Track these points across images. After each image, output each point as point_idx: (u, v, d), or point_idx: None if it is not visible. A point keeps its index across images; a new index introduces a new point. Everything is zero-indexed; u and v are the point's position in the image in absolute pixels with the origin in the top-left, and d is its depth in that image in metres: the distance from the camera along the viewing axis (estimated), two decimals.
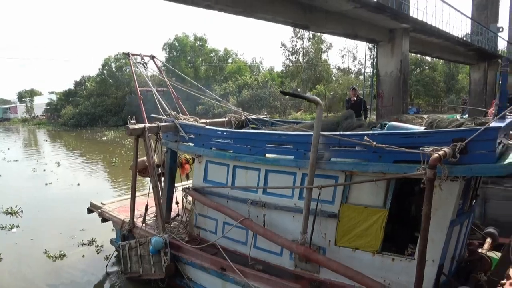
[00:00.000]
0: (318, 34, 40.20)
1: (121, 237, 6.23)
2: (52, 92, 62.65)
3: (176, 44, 44.79)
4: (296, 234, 4.15)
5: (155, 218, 6.17)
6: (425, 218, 3.05)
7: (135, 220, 6.10)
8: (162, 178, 6.30)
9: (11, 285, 6.51)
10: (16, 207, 10.58)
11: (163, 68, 7.96)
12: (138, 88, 6.56)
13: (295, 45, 44.62)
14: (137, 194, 6.36)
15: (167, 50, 45.32)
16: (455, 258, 3.99)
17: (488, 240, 4.43)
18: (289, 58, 45.76)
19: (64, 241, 8.27)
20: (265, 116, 6.98)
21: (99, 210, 7.04)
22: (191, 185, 5.60)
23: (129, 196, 6.27)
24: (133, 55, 6.68)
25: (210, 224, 5.34)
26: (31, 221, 9.77)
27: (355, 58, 49.27)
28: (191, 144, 5.45)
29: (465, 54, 24.72)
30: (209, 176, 5.27)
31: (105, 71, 47.09)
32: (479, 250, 4.21)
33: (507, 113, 3.43)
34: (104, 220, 7.00)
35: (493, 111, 3.59)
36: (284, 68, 47.09)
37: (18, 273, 6.96)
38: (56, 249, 7.69)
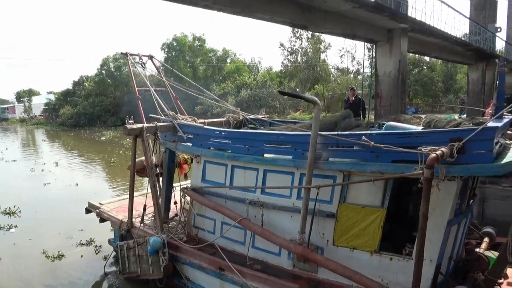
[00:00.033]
0: (317, 34, 40.19)
1: (119, 237, 6.23)
2: (51, 92, 62.59)
3: (175, 44, 44.76)
4: (294, 234, 4.16)
5: (153, 218, 6.17)
6: (423, 217, 3.06)
7: (133, 220, 6.10)
8: (160, 178, 6.30)
9: (9, 285, 6.50)
10: (14, 207, 10.56)
11: (161, 68, 7.96)
12: (136, 88, 6.55)
13: (294, 45, 44.65)
14: (135, 194, 6.36)
15: (166, 50, 45.31)
16: (453, 257, 4.00)
17: (486, 239, 4.44)
18: (288, 58, 45.79)
19: (63, 241, 8.25)
20: (263, 116, 6.98)
21: (97, 210, 7.04)
22: (189, 185, 5.59)
23: (127, 196, 6.27)
24: (131, 55, 6.67)
25: (208, 224, 5.34)
26: (30, 221, 9.76)
27: (353, 58, 49.24)
28: (189, 144, 5.45)
29: (463, 54, 24.74)
30: (207, 176, 5.27)
31: (103, 71, 47.03)
32: (477, 249, 4.22)
33: (505, 113, 3.45)
34: (102, 220, 6.99)
35: (490, 111, 3.61)
36: (282, 68, 47.10)
37: (17, 273, 6.95)
38: (54, 249, 7.68)
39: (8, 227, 9.25)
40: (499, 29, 29.73)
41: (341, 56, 48.29)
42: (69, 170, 17.00)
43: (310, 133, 3.91)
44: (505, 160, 3.13)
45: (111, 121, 41.47)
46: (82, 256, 7.55)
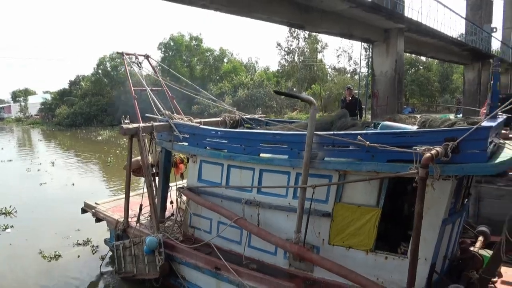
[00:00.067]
0: (314, 34, 40.31)
1: (115, 237, 6.22)
2: (47, 92, 62.34)
3: (172, 43, 44.69)
4: (290, 233, 4.17)
5: (149, 217, 6.16)
6: (418, 217, 3.08)
7: (129, 220, 6.09)
8: (157, 178, 6.29)
9: (5, 286, 6.47)
10: (10, 207, 10.51)
11: (158, 67, 7.94)
12: (132, 88, 6.54)
13: (291, 45, 44.78)
14: (131, 193, 6.35)
15: (163, 49, 45.23)
16: (448, 256, 4.03)
17: (480, 238, 4.47)
18: (285, 58, 45.90)
19: (59, 241, 8.22)
20: (259, 115, 6.99)
21: (93, 210, 7.02)
22: (185, 185, 5.60)
23: (123, 195, 6.26)
24: (127, 54, 6.66)
25: (204, 223, 5.34)
26: (26, 221, 9.71)
27: (350, 58, 49.45)
28: (186, 143, 5.45)
29: (459, 54, 24.86)
30: (204, 175, 5.27)
31: (100, 71, 46.86)
32: (471, 248, 4.25)
33: (499, 113, 3.47)
34: (98, 220, 6.98)
35: (485, 111, 3.63)
36: (279, 68, 47.18)
37: (13, 273, 6.92)
38: (51, 249, 7.65)
39: (4, 227, 9.20)
40: (494, 29, 29.89)
41: (338, 56, 48.66)
42: (65, 170, 16.94)
43: (306, 132, 3.92)
44: (498, 160, 3.15)
45: (107, 121, 41.33)
46: (79, 256, 7.52)
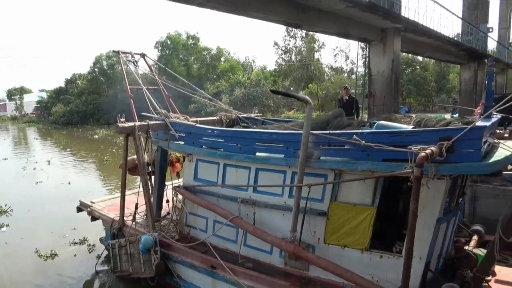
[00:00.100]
0: (311, 33, 40.27)
1: (111, 235, 6.20)
2: (43, 90, 62.03)
3: (169, 42, 44.58)
4: (286, 232, 4.17)
5: (145, 216, 6.15)
6: (412, 216, 3.09)
7: (125, 218, 6.08)
8: (153, 177, 6.28)
9: (0, 285, 6.44)
10: (5, 206, 10.46)
11: (155, 66, 7.92)
12: (128, 86, 6.52)
13: (288, 44, 44.66)
14: (127, 192, 6.34)
15: (159, 48, 45.10)
16: (442, 255, 4.05)
17: (475, 237, 4.49)
18: (282, 57, 45.79)
19: (55, 240, 8.19)
20: (256, 114, 6.99)
21: (89, 209, 7.00)
22: (181, 184, 5.59)
23: (119, 194, 6.24)
24: (123, 53, 6.63)
25: (200, 222, 5.34)
26: (22, 220, 9.67)
27: (347, 58, 49.52)
28: (182, 142, 5.45)
29: (456, 54, 24.97)
30: (200, 174, 5.27)
31: (96, 69, 46.71)
32: (466, 247, 4.26)
33: (493, 113, 3.48)
34: (94, 218, 6.95)
35: (479, 111, 3.64)
36: (277, 67, 47.10)
37: (8, 272, 6.89)
38: (47, 248, 7.62)
39: None
40: (491, 30, 30.05)
41: (335, 56, 48.31)
42: (61, 169, 16.88)
43: (302, 132, 3.93)
44: (492, 159, 3.17)
45: (104, 120, 41.19)
46: (75, 255, 7.49)
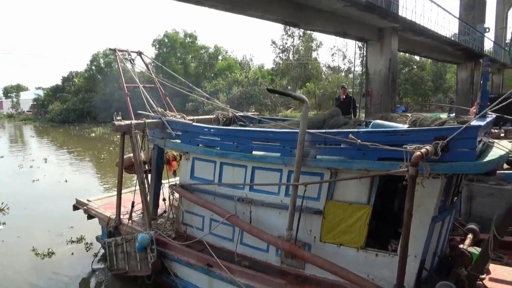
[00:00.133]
0: (309, 32, 40.30)
1: (107, 234, 6.19)
2: (39, 88, 61.79)
3: (166, 40, 44.48)
4: (282, 231, 4.18)
5: (141, 215, 6.15)
6: (407, 214, 3.11)
7: (121, 217, 6.07)
8: (149, 175, 6.27)
9: None
10: (2, 204, 10.41)
11: (152, 64, 7.91)
12: (124, 84, 6.50)
13: (286, 43, 44.71)
14: (124, 191, 6.33)
15: (157, 46, 44.99)
16: (437, 253, 4.07)
17: (470, 236, 4.51)
18: (280, 56, 45.82)
19: (52, 238, 8.17)
20: (252, 113, 6.99)
21: (85, 207, 6.99)
22: (178, 182, 5.59)
23: (116, 192, 6.24)
24: (119, 51, 6.61)
25: (197, 221, 5.35)
26: (18, 218, 9.64)
27: (345, 57, 49.54)
28: (178, 141, 5.44)
29: (452, 54, 25.05)
30: (196, 173, 5.27)
31: (93, 67, 46.54)
32: (461, 245, 4.29)
33: (488, 112, 3.51)
34: (90, 217, 6.94)
35: (474, 110, 3.66)
36: (274, 66, 47.14)
37: (5, 270, 6.86)
38: (44, 247, 7.59)
39: None
40: (487, 30, 30.14)
41: (333, 55, 48.68)
42: (58, 167, 16.83)
43: (298, 130, 3.94)
44: (487, 159, 3.19)
45: (101, 118, 41.04)
46: (72, 253, 7.48)
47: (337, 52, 47.21)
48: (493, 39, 34.64)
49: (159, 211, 6.36)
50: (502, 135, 7.82)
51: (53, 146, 25.38)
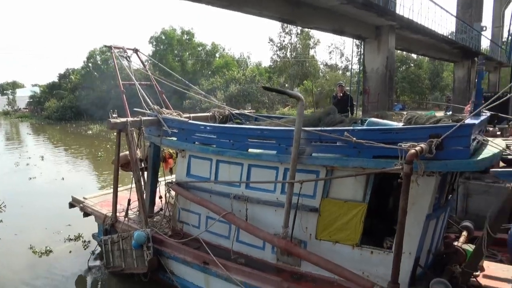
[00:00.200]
0: (306, 30, 40.20)
1: (103, 231, 6.19)
2: (35, 85, 61.41)
3: (163, 37, 44.23)
4: (278, 228, 4.20)
5: (138, 212, 6.15)
6: (402, 212, 3.13)
7: (117, 214, 6.07)
8: (145, 173, 6.27)
9: None
10: None
11: (149, 62, 7.88)
12: (120, 82, 6.48)
13: (283, 41, 44.53)
14: (120, 188, 6.32)
15: (154, 43, 44.75)
16: (431, 251, 4.10)
17: (464, 233, 4.54)
18: (277, 54, 45.65)
19: (50, 236, 8.15)
20: (249, 111, 6.99)
21: (81, 205, 6.97)
22: (174, 180, 5.59)
23: (112, 190, 6.23)
24: (115, 48, 6.59)
25: (193, 218, 5.36)
26: (15, 216, 9.61)
27: (342, 55, 49.44)
28: (174, 138, 5.44)
29: (449, 52, 25.10)
30: (192, 170, 5.28)
31: (90, 64, 46.27)
32: (455, 243, 4.32)
33: (482, 111, 3.53)
34: (86, 214, 6.93)
35: (469, 109, 3.69)
36: (272, 63, 47.00)
37: (3, 269, 6.84)
38: (41, 245, 7.58)
39: None
40: (484, 28, 30.19)
41: (330, 53, 48.52)
42: (55, 164, 16.78)
43: (294, 128, 3.95)
44: (481, 156, 3.21)
45: (98, 115, 40.85)
46: (70, 251, 7.47)
47: (334, 50, 47.09)
48: (489, 38, 34.73)
49: (156, 208, 6.36)
50: (499, 133, 7.86)
51: (50, 143, 25.30)
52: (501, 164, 6.52)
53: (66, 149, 22.09)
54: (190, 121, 5.42)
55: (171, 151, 6.47)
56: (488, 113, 3.78)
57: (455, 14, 26.27)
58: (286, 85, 41.28)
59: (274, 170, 4.37)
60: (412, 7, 17.21)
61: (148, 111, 5.74)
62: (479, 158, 3.19)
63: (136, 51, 6.89)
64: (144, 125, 5.59)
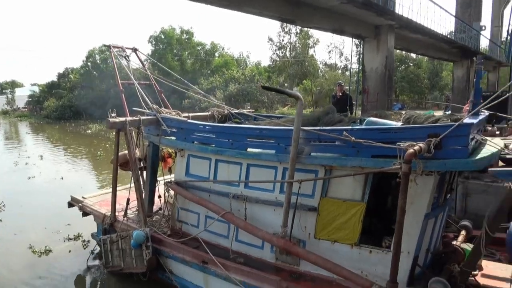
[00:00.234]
0: (306, 29, 40.18)
1: (102, 231, 6.19)
2: (34, 84, 61.37)
3: (162, 36, 44.20)
4: (277, 228, 4.21)
5: (137, 212, 6.14)
6: (400, 211, 3.13)
7: (116, 214, 6.07)
8: (144, 172, 6.26)
9: None
10: None
11: (148, 61, 7.88)
12: (119, 81, 6.48)
13: (283, 40, 44.53)
14: (119, 188, 6.32)
15: (153, 42, 44.72)
16: (430, 250, 4.10)
17: (463, 232, 4.55)
18: (276, 53, 45.66)
19: (49, 236, 8.14)
20: (248, 110, 6.99)
21: (80, 204, 6.97)
22: (173, 179, 5.59)
23: (111, 190, 6.23)
24: (114, 47, 6.58)
25: (192, 218, 5.36)
26: (14, 215, 9.60)
27: (341, 54, 49.40)
28: (173, 138, 5.44)
29: (449, 52, 25.10)
30: (191, 170, 5.28)
31: (89, 63, 46.24)
32: (454, 242, 4.32)
33: (481, 110, 3.53)
34: (85, 214, 6.93)
35: (468, 108, 3.69)
36: (271, 63, 47.00)
37: (2, 268, 6.83)
38: (41, 244, 7.57)
39: None
40: (483, 28, 30.22)
41: (329, 52, 48.41)
42: (54, 164, 16.76)
43: (292, 128, 3.95)
44: (479, 156, 3.22)
45: (97, 114, 40.81)
46: (70, 251, 7.47)
47: (333, 50, 47.08)
48: (489, 37, 34.75)
49: (155, 208, 6.35)
50: (498, 132, 7.86)
51: (49, 142, 25.29)
52: (500, 163, 6.52)
53: (65, 148, 22.08)
54: (189, 120, 5.42)
55: (170, 151, 6.46)
56: (487, 113, 3.78)
57: (454, 14, 26.28)
58: (286, 84, 41.26)
59: (273, 170, 4.38)
60: (412, 6, 17.21)
61: (147, 111, 5.74)
62: (477, 157, 3.19)
63: (135, 50, 6.88)
64: (143, 125, 5.59)
